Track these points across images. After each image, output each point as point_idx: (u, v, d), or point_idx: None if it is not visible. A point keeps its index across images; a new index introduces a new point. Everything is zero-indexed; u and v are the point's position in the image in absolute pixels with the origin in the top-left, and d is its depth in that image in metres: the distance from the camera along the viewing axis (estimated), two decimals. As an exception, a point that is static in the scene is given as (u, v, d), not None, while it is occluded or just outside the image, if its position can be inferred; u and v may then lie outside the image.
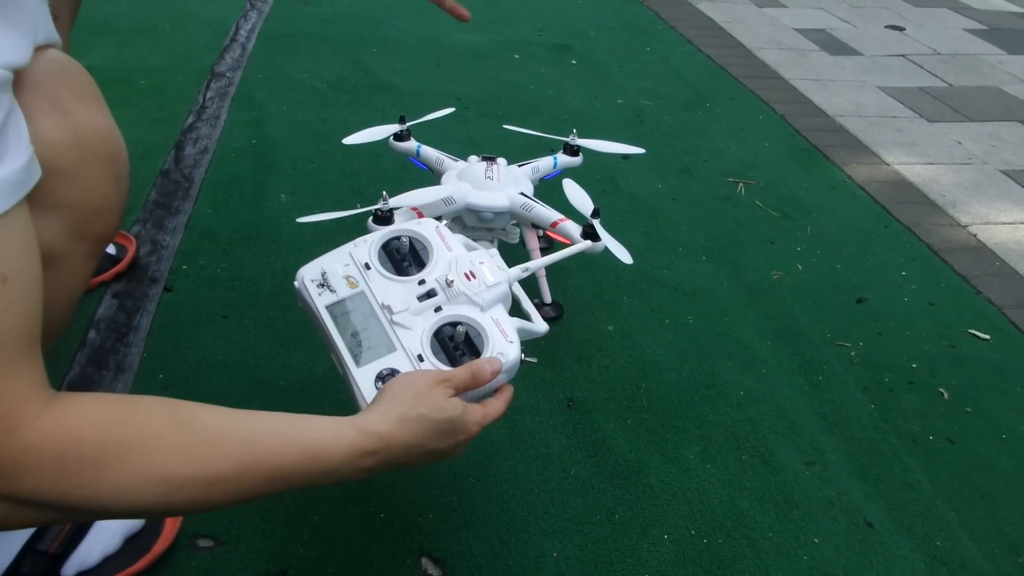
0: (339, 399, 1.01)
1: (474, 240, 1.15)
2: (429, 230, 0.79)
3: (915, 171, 1.85)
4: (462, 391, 0.67)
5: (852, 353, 1.22)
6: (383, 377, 0.69)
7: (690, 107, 2.04)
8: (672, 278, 1.34)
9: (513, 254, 1.23)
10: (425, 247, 0.78)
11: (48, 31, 0.59)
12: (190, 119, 1.66)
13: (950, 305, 1.36)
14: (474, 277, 0.75)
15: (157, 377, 1.03)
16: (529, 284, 1.20)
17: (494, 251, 0.80)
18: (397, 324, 0.72)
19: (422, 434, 0.64)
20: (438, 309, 0.74)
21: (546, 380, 1.09)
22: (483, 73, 2.12)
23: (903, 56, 2.63)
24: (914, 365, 1.21)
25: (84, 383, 1.00)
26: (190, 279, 1.22)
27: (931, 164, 1.90)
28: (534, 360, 0.76)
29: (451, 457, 0.69)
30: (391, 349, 0.71)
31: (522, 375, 1.09)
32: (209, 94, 1.82)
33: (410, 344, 0.71)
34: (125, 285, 1.19)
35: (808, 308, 1.31)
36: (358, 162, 1.58)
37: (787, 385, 1.14)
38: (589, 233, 1.04)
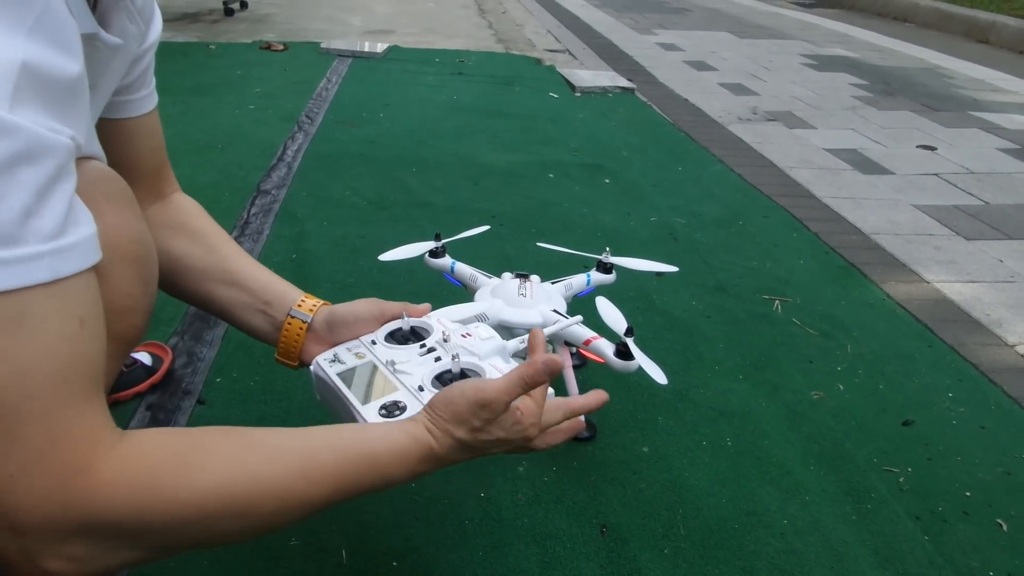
0: (366, 519, 0.99)
1: (506, 357, 1.15)
2: (432, 318, 0.87)
3: (956, 289, 1.82)
4: (509, 401, 0.69)
5: (901, 479, 1.16)
6: (387, 407, 0.73)
7: (723, 225, 2.06)
8: (708, 398, 1.31)
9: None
10: (426, 328, 0.86)
11: (95, 145, 0.63)
12: (234, 234, 1.72)
13: (1002, 429, 1.30)
14: (470, 335, 0.83)
15: (183, 493, 1.01)
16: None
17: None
18: (400, 372, 0.78)
19: (468, 448, 0.68)
20: (438, 359, 0.80)
21: (578, 503, 1.05)
22: (518, 191, 2.17)
23: (936, 175, 2.64)
24: (968, 493, 1.15)
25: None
26: (223, 392, 1.22)
27: (972, 282, 1.87)
28: None
29: (528, 450, 0.73)
30: (394, 389, 0.76)
31: (553, 497, 1.06)
32: (253, 210, 1.89)
33: (411, 382, 0.77)
34: (159, 397, 1.19)
35: (852, 431, 1.26)
36: (393, 277, 1.60)
37: (833, 514, 1.08)
38: (623, 352, 1.03)
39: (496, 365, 0.78)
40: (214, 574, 0.90)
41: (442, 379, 0.76)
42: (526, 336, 0.88)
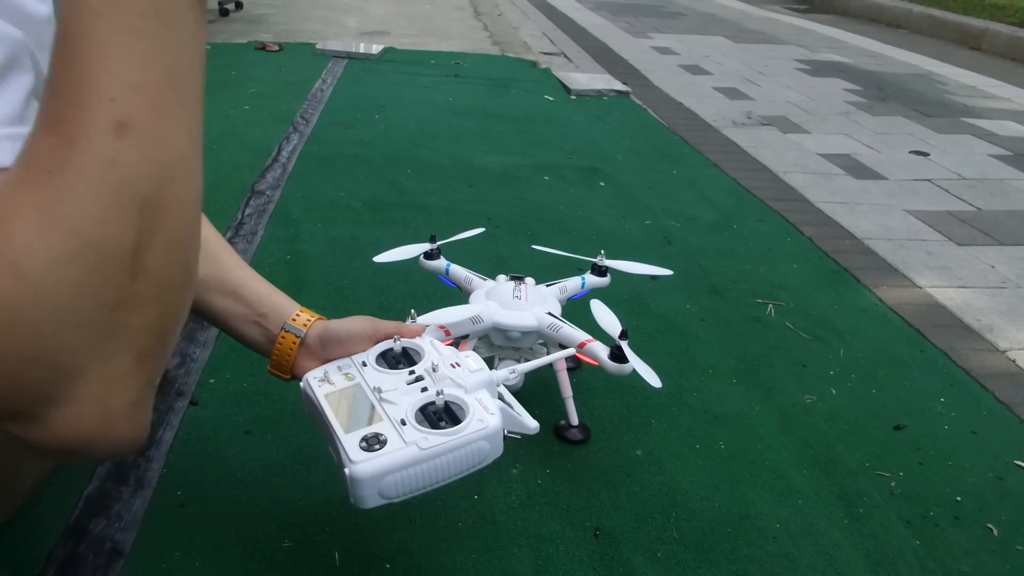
0: (359, 521, 0.99)
1: (500, 359, 1.15)
2: (424, 340, 0.87)
3: (948, 295, 1.83)
4: None
5: (893, 484, 1.17)
6: (367, 439, 0.72)
7: (717, 228, 2.07)
8: (702, 401, 1.31)
9: (540, 375, 1.22)
10: (418, 351, 0.85)
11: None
12: (228, 234, 1.72)
13: (993, 434, 1.31)
14: (459, 366, 0.82)
15: (175, 494, 1.01)
16: (556, 405, 1.18)
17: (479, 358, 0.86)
18: (385, 400, 0.78)
19: None
20: (424, 390, 0.79)
21: (572, 506, 1.05)
22: (513, 194, 2.17)
23: (929, 181, 2.66)
24: (959, 498, 1.15)
25: (102, 498, 0.99)
26: (216, 393, 1.22)
27: (964, 288, 1.88)
28: (518, 436, 0.81)
29: None
30: (378, 419, 0.76)
31: (547, 499, 1.06)
32: (248, 211, 1.89)
33: (394, 413, 0.76)
34: (152, 398, 1.19)
35: (844, 435, 1.26)
36: (388, 279, 1.60)
37: (825, 517, 1.08)
38: (617, 355, 1.03)
39: (482, 399, 0.78)
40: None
41: (425, 412, 0.76)
42: (515, 366, 0.88)
